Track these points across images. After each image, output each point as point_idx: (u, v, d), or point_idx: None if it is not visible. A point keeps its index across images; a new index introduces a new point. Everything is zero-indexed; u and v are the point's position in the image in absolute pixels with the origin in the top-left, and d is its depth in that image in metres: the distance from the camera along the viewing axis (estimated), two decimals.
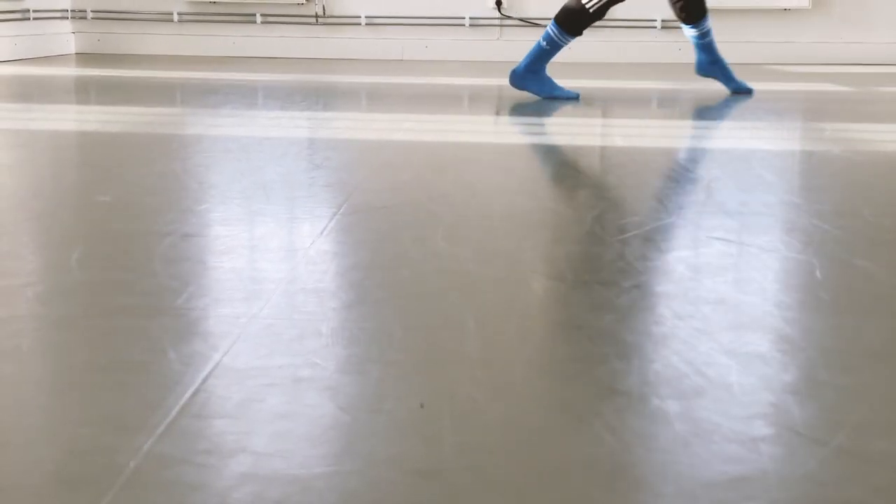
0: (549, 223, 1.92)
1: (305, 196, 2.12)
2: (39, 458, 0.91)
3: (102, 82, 4.86)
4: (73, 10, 6.72)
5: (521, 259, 1.65)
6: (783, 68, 5.87)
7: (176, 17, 6.65)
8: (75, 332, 1.26)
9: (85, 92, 4.54)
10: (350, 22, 6.59)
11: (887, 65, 6.28)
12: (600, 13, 4.05)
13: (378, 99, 4.28)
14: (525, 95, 4.07)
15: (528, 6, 6.44)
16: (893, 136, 3.19)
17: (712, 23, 4.29)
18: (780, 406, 1.04)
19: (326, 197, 2.10)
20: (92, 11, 6.70)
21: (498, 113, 3.85)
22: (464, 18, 6.52)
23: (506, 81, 4.15)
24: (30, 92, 4.34)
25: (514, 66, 4.14)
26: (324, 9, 6.58)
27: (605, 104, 4.14)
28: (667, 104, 4.22)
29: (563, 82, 4.20)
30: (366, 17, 6.56)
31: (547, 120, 3.62)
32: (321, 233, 1.77)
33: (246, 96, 4.14)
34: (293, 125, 3.29)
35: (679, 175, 2.50)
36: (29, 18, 6.17)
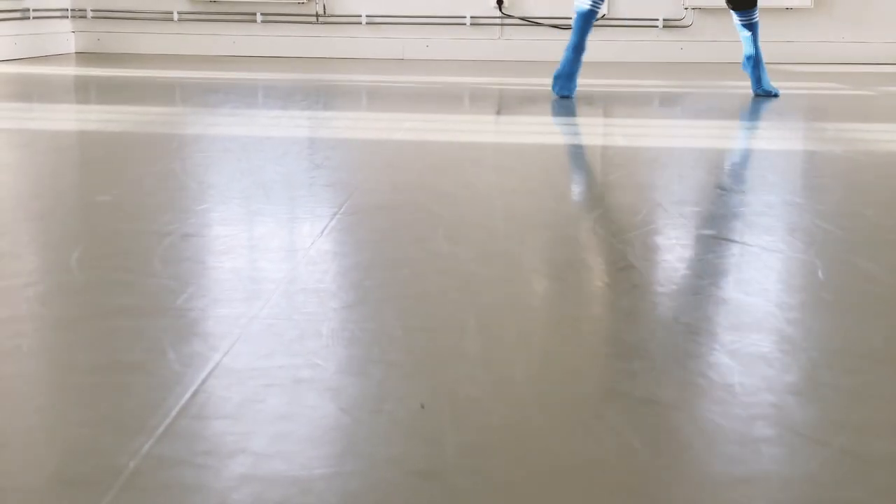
0: (551, 223, 1.92)
1: (306, 196, 2.12)
2: (39, 459, 0.91)
3: (102, 82, 4.85)
4: (73, 10, 6.72)
5: (522, 259, 1.65)
6: (785, 67, 5.87)
7: (176, 17, 6.65)
8: (75, 333, 1.25)
9: (85, 91, 4.54)
10: (350, 21, 6.59)
11: (889, 64, 6.28)
12: None
13: (379, 98, 4.27)
14: (525, 95, 4.07)
15: (530, 5, 6.44)
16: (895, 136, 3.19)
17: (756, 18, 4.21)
18: (782, 407, 1.03)
19: (327, 197, 2.10)
20: (92, 10, 6.70)
21: (499, 112, 3.85)
22: (465, 18, 6.52)
23: (506, 81, 4.14)
24: (30, 91, 4.33)
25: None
26: (324, 8, 6.57)
27: (607, 104, 4.14)
28: (668, 104, 4.22)
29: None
30: (366, 16, 6.56)
31: (548, 119, 3.62)
32: (321, 233, 1.77)
33: (246, 96, 4.14)
34: (293, 125, 3.29)
35: (681, 175, 2.50)
36: (29, 17, 6.17)
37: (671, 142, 3.07)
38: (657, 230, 1.85)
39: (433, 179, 2.33)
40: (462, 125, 3.45)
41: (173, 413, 1.00)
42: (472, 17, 6.51)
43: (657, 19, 6.42)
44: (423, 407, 1.02)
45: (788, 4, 6.30)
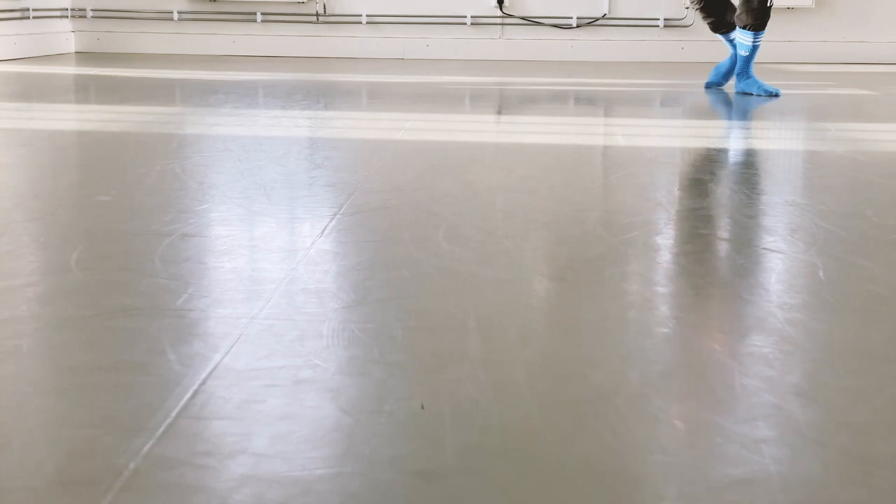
0: (551, 223, 1.92)
1: (306, 196, 2.12)
2: (39, 460, 0.91)
3: (102, 81, 4.85)
4: (72, 9, 6.71)
5: (523, 259, 1.64)
6: (787, 67, 5.87)
7: (176, 16, 6.65)
8: (75, 333, 1.25)
9: (85, 91, 4.54)
10: (351, 20, 6.58)
11: (891, 64, 6.28)
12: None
13: (379, 98, 4.27)
14: (526, 95, 4.07)
15: (530, 5, 6.44)
16: None
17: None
18: (783, 408, 1.03)
19: (327, 197, 2.10)
20: (92, 10, 6.70)
21: (499, 112, 3.85)
22: (465, 17, 6.51)
23: (507, 80, 4.14)
24: (29, 91, 4.33)
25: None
26: (324, 7, 6.57)
27: (608, 103, 4.14)
28: (669, 104, 4.22)
29: (563, 81, 4.19)
30: (366, 15, 6.56)
31: (548, 119, 3.62)
32: (322, 233, 1.77)
33: (246, 95, 4.13)
34: (294, 124, 3.28)
35: (681, 175, 2.49)
36: (29, 17, 6.17)
37: (671, 142, 3.07)
38: (657, 230, 1.85)
39: (433, 179, 2.33)
40: (462, 125, 3.44)
41: (173, 413, 1.00)
42: (472, 17, 6.51)
43: (658, 19, 6.42)
44: (423, 407, 1.02)
45: (790, 4, 6.30)
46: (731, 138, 3.23)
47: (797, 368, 1.15)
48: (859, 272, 1.56)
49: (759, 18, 4.20)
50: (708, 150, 2.93)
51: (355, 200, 2.05)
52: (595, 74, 5.20)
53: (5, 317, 1.30)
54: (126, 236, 1.74)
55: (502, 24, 6.50)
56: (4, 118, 3.42)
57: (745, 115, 3.73)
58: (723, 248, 1.72)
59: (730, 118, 3.70)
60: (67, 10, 6.68)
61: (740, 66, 4.30)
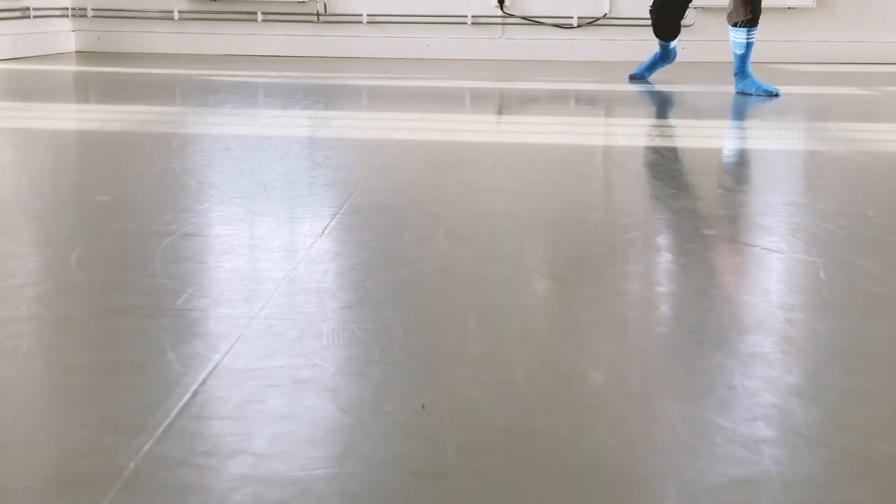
0: (551, 223, 1.91)
1: (306, 195, 2.12)
2: (39, 460, 0.91)
3: (102, 81, 4.85)
4: (73, 8, 6.71)
5: (523, 259, 1.64)
6: (787, 67, 5.87)
7: (176, 15, 6.65)
8: (75, 333, 1.25)
9: (85, 90, 4.54)
10: (351, 20, 6.58)
11: (891, 64, 6.28)
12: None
13: (379, 98, 4.27)
14: (526, 95, 4.07)
15: (531, 5, 6.44)
16: None
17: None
18: (784, 408, 1.03)
19: (327, 196, 2.10)
20: (92, 9, 6.70)
21: (500, 112, 3.85)
22: (466, 17, 6.51)
23: (507, 80, 4.14)
24: (30, 90, 4.33)
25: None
26: (325, 7, 6.57)
27: (608, 103, 4.13)
28: (670, 103, 4.22)
29: (565, 82, 4.19)
30: (367, 15, 6.56)
31: (549, 119, 3.62)
32: (322, 232, 1.77)
33: (247, 95, 4.13)
34: (294, 124, 3.28)
35: (682, 175, 2.49)
36: (29, 16, 6.17)
37: (672, 141, 3.07)
38: (658, 230, 1.85)
39: (434, 179, 2.33)
40: (463, 125, 3.44)
41: (173, 413, 1.00)
42: (473, 17, 6.51)
43: None
44: (423, 407, 1.02)
45: (790, 4, 6.29)
46: (732, 138, 3.23)
47: (797, 368, 1.15)
48: (860, 272, 1.56)
49: (751, 13, 4.22)
50: (709, 150, 2.93)
51: (355, 200, 2.05)
52: (596, 74, 5.20)
53: (5, 316, 1.30)
54: (126, 236, 1.74)
55: (503, 24, 6.50)
56: (5, 117, 3.42)
57: (745, 115, 3.73)
58: (723, 247, 1.72)
59: (730, 118, 3.70)
60: (68, 9, 6.68)
61: (737, 66, 4.30)
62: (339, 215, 1.90)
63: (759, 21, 4.27)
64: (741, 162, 2.73)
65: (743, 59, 4.28)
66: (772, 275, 1.56)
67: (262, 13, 6.61)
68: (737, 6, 4.22)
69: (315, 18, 6.60)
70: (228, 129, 3.11)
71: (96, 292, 1.41)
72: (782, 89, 4.34)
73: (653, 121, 3.63)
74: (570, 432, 0.97)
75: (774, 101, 4.06)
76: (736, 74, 4.31)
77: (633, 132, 3.23)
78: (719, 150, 2.92)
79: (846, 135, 3.14)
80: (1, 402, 1.04)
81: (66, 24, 6.69)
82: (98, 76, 5.10)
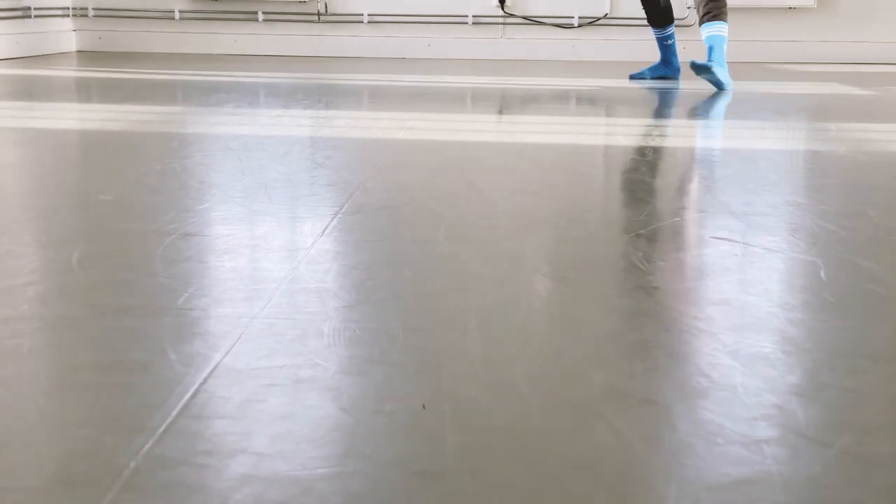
0: (552, 223, 1.91)
1: (307, 195, 2.12)
2: (39, 459, 0.91)
3: (103, 80, 4.85)
4: (74, 8, 6.72)
5: (524, 259, 1.64)
6: (788, 67, 5.86)
7: (177, 15, 6.65)
8: (75, 332, 1.25)
9: (86, 90, 4.54)
10: (352, 20, 6.58)
11: (892, 64, 6.27)
12: None
13: (380, 97, 4.27)
14: (527, 95, 4.07)
15: (531, 4, 6.44)
16: None
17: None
18: (785, 408, 1.03)
19: (328, 196, 2.10)
20: (93, 9, 6.70)
21: (501, 112, 3.85)
22: (467, 17, 6.51)
23: (507, 80, 4.14)
24: (31, 90, 4.33)
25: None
26: (326, 6, 6.57)
27: (609, 103, 4.13)
28: (671, 103, 4.22)
29: (565, 81, 4.18)
30: (368, 14, 6.56)
31: (550, 119, 3.61)
32: (323, 232, 1.77)
33: (247, 94, 4.14)
34: (295, 124, 3.28)
35: (683, 175, 2.49)
36: (30, 16, 6.17)
37: (673, 141, 3.07)
38: (659, 230, 1.85)
39: (435, 179, 2.33)
40: (464, 124, 3.44)
41: (174, 413, 1.00)
42: (474, 17, 6.51)
43: None
44: (424, 407, 1.02)
45: (791, 4, 6.29)
46: (733, 138, 3.23)
47: (798, 368, 1.15)
48: (860, 272, 1.56)
49: (721, 7, 4.61)
50: (709, 149, 2.93)
51: (356, 200, 2.05)
52: (596, 74, 5.20)
53: (6, 316, 1.31)
54: (127, 235, 1.74)
55: (504, 24, 6.50)
56: (6, 117, 3.42)
57: (746, 115, 3.73)
58: (724, 247, 1.72)
59: (731, 118, 3.70)
60: (69, 8, 6.68)
61: (719, 57, 4.61)
62: (340, 215, 1.90)
63: (708, 20, 4.65)
64: (742, 161, 2.73)
65: (720, 50, 4.61)
66: (772, 274, 1.56)
67: (263, 13, 6.61)
68: (703, 3, 4.65)
69: (316, 18, 6.60)
70: (229, 129, 3.11)
71: (97, 292, 1.41)
72: (783, 89, 4.33)
73: (653, 120, 3.63)
74: (570, 432, 0.97)
75: (774, 102, 4.06)
76: (714, 62, 4.61)
77: (634, 132, 3.23)
78: (720, 150, 2.92)
79: (847, 135, 3.14)
80: (1, 402, 1.04)
81: (67, 23, 6.69)
82: (99, 76, 5.10)
